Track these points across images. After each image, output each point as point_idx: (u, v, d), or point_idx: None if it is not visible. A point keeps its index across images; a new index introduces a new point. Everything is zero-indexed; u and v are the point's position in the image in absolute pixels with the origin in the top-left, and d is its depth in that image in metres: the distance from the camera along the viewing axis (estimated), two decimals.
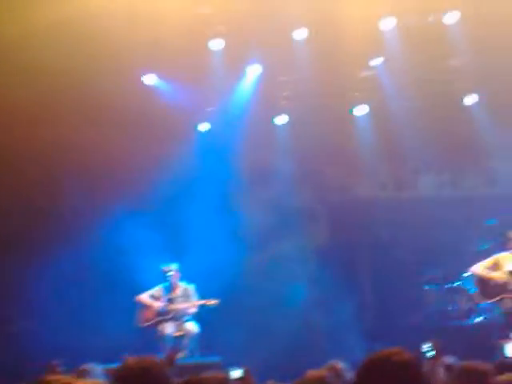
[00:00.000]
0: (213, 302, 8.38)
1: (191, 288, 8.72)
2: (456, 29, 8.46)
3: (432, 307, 9.83)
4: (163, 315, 8.52)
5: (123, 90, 8.90)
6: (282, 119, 10.15)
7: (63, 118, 8.85)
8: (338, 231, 10.36)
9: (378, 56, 9.25)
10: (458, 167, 10.82)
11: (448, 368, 4.96)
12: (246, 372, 4.89)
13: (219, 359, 7.57)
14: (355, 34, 8.42)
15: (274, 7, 8.06)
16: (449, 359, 5.19)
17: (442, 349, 5.17)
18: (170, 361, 6.06)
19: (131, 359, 2.87)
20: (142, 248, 9.15)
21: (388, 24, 8.49)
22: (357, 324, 9.30)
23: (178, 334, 8.47)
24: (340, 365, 5.00)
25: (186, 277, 8.81)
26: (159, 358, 7.61)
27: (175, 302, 8.60)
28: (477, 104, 9.78)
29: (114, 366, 4.83)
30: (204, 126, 10.13)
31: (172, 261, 8.80)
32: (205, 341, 8.54)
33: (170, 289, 8.70)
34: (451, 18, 8.40)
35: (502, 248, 8.25)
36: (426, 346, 4.98)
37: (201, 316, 8.61)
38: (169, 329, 8.42)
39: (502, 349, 3.39)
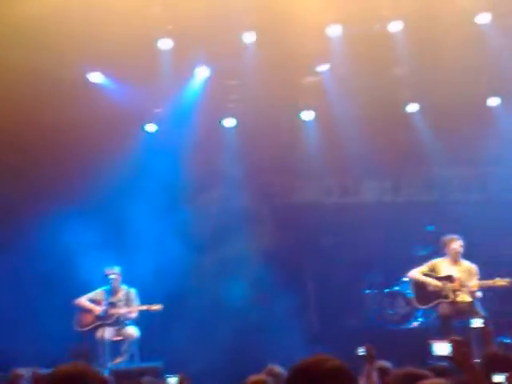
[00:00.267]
0: (156, 307, 8.23)
1: (133, 292, 8.56)
2: (399, 38, 8.64)
3: (372, 311, 10.02)
4: (103, 319, 8.32)
5: (68, 88, 8.76)
6: (229, 122, 10.16)
7: (1, 116, 8.63)
8: (283, 235, 10.44)
9: (325, 62, 9.37)
10: (399, 174, 11.07)
11: (383, 372, 5.06)
12: (181, 379, 4.86)
13: (160, 364, 7.48)
14: (303, 40, 8.51)
15: (223, 10, 8.05)
16: (384, 363, 5.29)
17: (376, 353, 5.25)
18: None
19: (63, 365, 2.82)
20: (83, 249, 8.99)
21: (334, 31, 8.59)
22: (299, 327, 9.39)
23: (117, 338, 8.32)
24: (278, 368, 5.05)
25: (129, 278, 8.68)
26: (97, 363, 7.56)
27: (116, 306, 8.42)
28: (418, 112, 10.03)
29: (43, 371, 4.74)
30: (151, 127, 10.04)
31: (115, 262, 8.67)
32: (146, 345, 8.40)
33: (111, 292, 8.51)
34: (395, 27, 8.57)
35: (439, 253, 8.48)
36: (360, 350, 5.05)
37: (142, 320, 8.48)
38: (108, 333, 8.24)
39: (430, 348, 3.48)
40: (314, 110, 10.09)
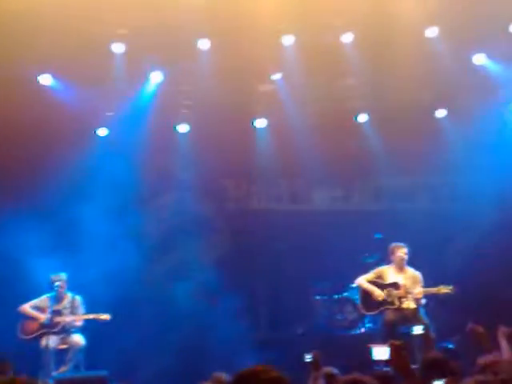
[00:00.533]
0: (104, 316, 8.07)
1: (78, 299, 8.41)
2: (351, 49, 8.80)
3: (322, 317, 10.13)
4: (48, 328, 8.14)
5: (19, 89, 8.61)
6: (183, 128, 10.15)
7: None
8: (235, 241, 10.48)
9: (279, 71, 9.46)
10: (349, 183, 11.26)
11: (330, 378, 5.13)
12: None
13: (105, 373, 7.32)
14: (258, 47, 8.58)
15: (177, 15, 8.04)
16: (331, 370, 5.36)
17: (324, 359, 5.33)
18: None
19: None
20: (31, 252, 8.81)
21: (288, 40, 8.68)
22: (249, 332, 9.45)
23: (62, 347, 8.15)
24: (224, 376, 5.07)
25: (79, 283, 8.56)
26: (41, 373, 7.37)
27: (62, 313, 8.25)
28: (367, 122, 10.23)
29: None
30: (103, 131, 9.95)
31: (64, 266, 8.53)
32: (92, 354, 8.24)
33: (56, 299, 8.34)
34: (347, 38, 8.72)
35: (386, 261, 8.67)
36: (307, 357, 5.12)
37: (88, 327, 8.34)
38: (53, 342, 8.07)
39: (370, 352, 3.55)
40: (267, 117, 10.17)
